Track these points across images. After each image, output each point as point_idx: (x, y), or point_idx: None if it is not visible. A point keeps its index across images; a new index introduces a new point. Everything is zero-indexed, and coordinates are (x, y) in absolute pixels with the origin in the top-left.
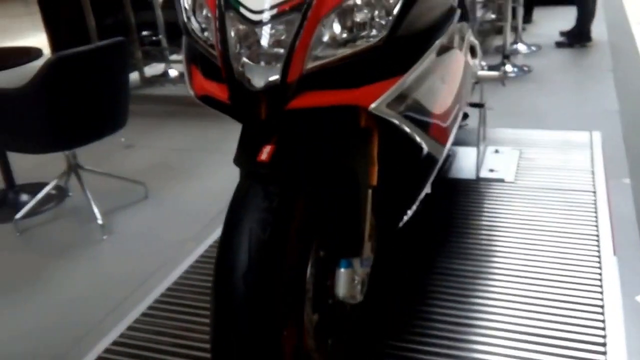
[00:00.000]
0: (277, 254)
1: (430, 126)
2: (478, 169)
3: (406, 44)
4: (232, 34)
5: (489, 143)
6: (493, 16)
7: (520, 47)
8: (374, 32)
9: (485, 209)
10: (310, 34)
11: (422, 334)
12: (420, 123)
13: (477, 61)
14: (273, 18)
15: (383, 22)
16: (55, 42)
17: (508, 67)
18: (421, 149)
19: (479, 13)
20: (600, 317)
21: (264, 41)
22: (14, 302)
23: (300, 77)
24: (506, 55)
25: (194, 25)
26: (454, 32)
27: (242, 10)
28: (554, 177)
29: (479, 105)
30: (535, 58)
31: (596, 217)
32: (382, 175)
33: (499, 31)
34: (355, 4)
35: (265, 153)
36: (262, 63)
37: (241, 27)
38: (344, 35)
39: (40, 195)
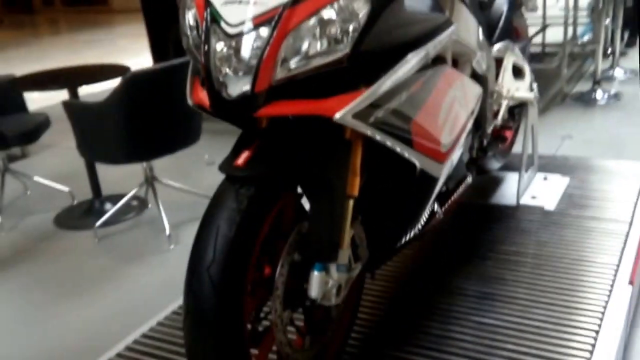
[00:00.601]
0: (241, 250)
1: (416, 141)
2: (519, 196)
3: (372, 58)
4: (215, 46)
5: (540, 169)
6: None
7: (617, 72)
8: (339, 45)
9: (518, 236)
10: (278, 48)
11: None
12: (402, 137)
13: (523, 84)
14: (247, 32)
15: (347, 36)
16: (158, 61)
17: (598, 94)
18: (414, 165)
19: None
20: (591, 341)
21: (240, 53)
22: (86, 300)
23: (269, 87)
24: (597, 81)
25: (191, 40)
26: (447, 47)
27: (222, 24)
28: (595, 206)
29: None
30: (631, 85)
31: (624, 247)
32: (376, 189)
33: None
34: (321, 20)
35: (242, 158)
36: (240, 73)
37: (222, 39)
38: (311, 48)
39: (118, 206)
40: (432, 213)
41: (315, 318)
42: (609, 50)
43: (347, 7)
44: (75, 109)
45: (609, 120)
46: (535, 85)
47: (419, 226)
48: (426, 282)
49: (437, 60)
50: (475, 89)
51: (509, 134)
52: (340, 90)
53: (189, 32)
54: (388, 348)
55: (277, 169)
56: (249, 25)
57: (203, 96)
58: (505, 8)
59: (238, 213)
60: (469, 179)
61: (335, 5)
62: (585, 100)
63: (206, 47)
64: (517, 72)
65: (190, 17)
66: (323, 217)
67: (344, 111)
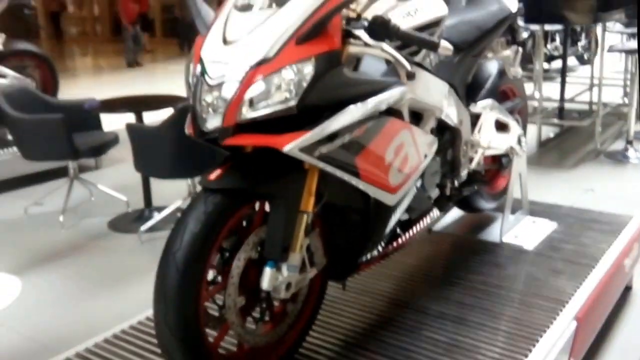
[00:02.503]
0: (202, 243)
1: (363, 174)
2: (501, 234)
3: (317, 108)
4: (200, 92)
5: (535, 214)
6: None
7: None
8: (289, 98)
9: (489, 268)
10: (242, 96)
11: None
12: (348, 170)
13: (507, 137)
14: (221, 84)
15: (296, 92)
16: None
17: (630, 152)
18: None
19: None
20: None
21: (216, 98)
22: (122, 291)
23: (235, 124)
24: (630, 141)
25: (190, 86)
26: (401, 103)
27: (206, 76)
28: (568, 249)
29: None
30: None
31: (579, 286)
32: (338, 208)
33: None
34: (276, 78)
35: (214, 174)
36: (215, 112)
37: (205, 87)
38: (267, 99)
39: (162, 215)
40: (395, 236)
41: (270, 310)
42: None
43: (296, 71)
44: (135, 131)
45: (637, 179)
46: (523, 139)
47: (380, 246)
48: (394, 298)
49: (393, 112)
50: (428, 138)
51: (499, 179)
52: (292, 130)
53: (190, 80)
54: (342, 349)
55: (240, 185)
56: (223, 79)
57: (192, 127)
58: (492, 74)
59: (204, 214)
60: (437, 212)
61: (287, 69)
62: (617, 158)
63: (195, 92)
64: (502, 127)
65: (191, 69)
66: (278, 224)
67: (291, 145)
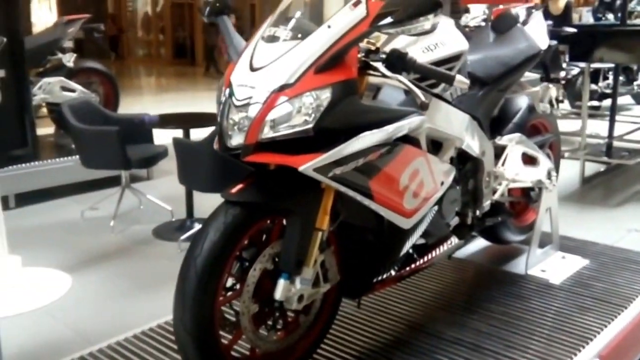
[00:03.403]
0: (220, 251)
1: (376, 197)
2: (527, 267)
3: (333, 132)
4: (227, 111)
5: (566, 250)
6: None
7: None
8: (306, 121)
9: (511, 299)
10: (264, 117)
11: None
12: (362, 191)
13: (535, 171)
14: (246, 105)
15: (313, 116)
16: None
17: None
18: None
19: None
20: None
21: (241, 118)
22: (158, 293)
23: (256, 142)
24: None
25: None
26: (418, 131)
27: (233, 98)
28: (598, 288)
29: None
30: None
31: (607, 326)
32: (355, 228)
33: None
34: (295, 103)
35: (236, 188)
36: (239, 130)
37: (232, 108)
38: (287, 121)
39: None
40: (410, 259)
41: (284, 319)
42: None
43: (314, 97)
44: (180, 145)
45: None
46: (554, 174)
47: (395, 268)
48: (409, 320)
49: (411, 140)
50: (445, 167)
51: (528, 212)
52: (309, 151)
53: (220, 101)
54: None
55: (258, 199)
56: (248, 101)
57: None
58: (520, 108)
59: (223, 225)
60: (455, 240)
61: (306, 95)
62: None
63: (222, 111)
64: (531, 160)
65: (222, 91)
66: (293, 239)
67: (306, 165)
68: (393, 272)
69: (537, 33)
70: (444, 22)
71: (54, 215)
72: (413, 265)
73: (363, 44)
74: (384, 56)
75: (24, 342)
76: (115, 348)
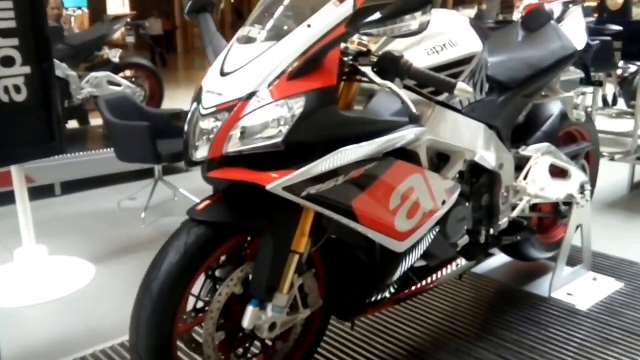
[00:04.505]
0: (179, 275)
1: (362, 218)
2: (551, 289)
3: (306, 146)
4: (194, 120)
5: (599, 270)
6: None
7: None
8: (276, 134)
9: (527, 325)
10: (229, 129)
11: None
12: (344, 212)
13: (565, 184)
14: (211, 114)
15: (283, 128)
16: None
17: None
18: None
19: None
20: None
21: (206, 128)
22: None
23: (221, 156)
24: None
25: None
26: (417, 144)
27: (200, 106)
28: (635, 319)
29: None
30: None
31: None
32: (344, 249)
33: None
34: (264, 113)
35: (202, 205)
36: (204, 142)
37: (199, 117)
38: (254, 133)
39: None
40: (409, 282)
41: (262, 345)
42: None
43: (284, 107)
44: None
45: None
46: (588, 187)
47: (391, 290)
48: (408, 344)
49: (409, 154)
50: (447, 184)
51: (557, 228)
52: (280, 167)
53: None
54: None
55: (224, 219)
56: (214, 109)
57: None
58: (551, 116)
59: (184, 245)
60: (463, 262)
61: (276, 104)
62: None
63: (189, 120)
64: (561, 173)
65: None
66: (265, 263)
67: (275, 184)
68: (388, 295)
69: (574, 31)
70: (456, 21)
71: (93, 204)
72: (413, 288)
73: (354, 46)
74: (374, 60)
75: (36, 333)
76: (127, 346)
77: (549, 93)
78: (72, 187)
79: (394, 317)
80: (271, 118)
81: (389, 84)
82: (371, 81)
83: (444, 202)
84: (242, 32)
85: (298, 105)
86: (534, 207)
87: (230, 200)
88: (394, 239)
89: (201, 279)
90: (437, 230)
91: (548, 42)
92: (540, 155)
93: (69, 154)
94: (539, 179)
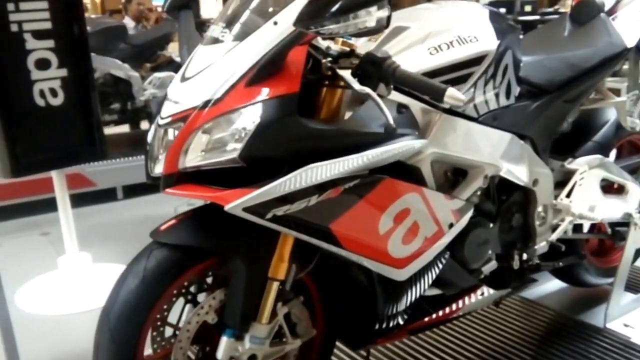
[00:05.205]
0: (138, 303)
1: (343, 240)
2: (606, 318)
3: (268, 162)
4: (153, 132)
5: None
6: None
7: None
8: (232, 148)
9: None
10: (182, 141)
11: None
12: (319, 234)
13: (621, 203)
14: (166, 125)
15: (239, 141)
16: None
17: None
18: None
19: None
20: None
21: (161, 141)
22: None
23: (176, 172)
24: None
25: None
26: (419, 159)
27: (159, 116)
28: None
29: None
30: None
31: None
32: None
33: None
34: (220, 123)
35: (166, 225)
36: (161, 157)
37: (156, 128)
38: (209, 146)
39: None
40: (422, 311)
41: None
42: None
43: (240, 117)
44: None
45: None
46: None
47: (400, 319)
48: None
49: (409, 169)
50: (456, 204)
51: (615, 251)
52: (241, 185)
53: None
54: None
55: (188, 241)
56: (169, 120)
57: None
58: (603, 124)
59: (143, 271)
60: (487, 290)
61: (231, 114)
62: None
63: (151, 132)
64: (617, 189)
65: None
66: (239, 290)
67: (234, 203)
68: (399, 323)
69: (627, 25)
70: (470, 14)
71: (151, 209)
72: (427, 319)
73: (336, 46)
74: (356, 62)
75: (69, 340)
76: None
77: (600, 97)
78: (134, 190)
79: (418, 344)
80: (225, 130)
81: (366, 89)
82: (348, 86)
83: (451, 225)
84: (209, 31)
85: (254, 115)
86: (582, 228)
87: (199, 219)
88: (390, 266)
89: (180, 302)
90: (447, 255)
91: (595, 37)
92: (587, 169)
93: (131, 157)
94: (586, 195)
